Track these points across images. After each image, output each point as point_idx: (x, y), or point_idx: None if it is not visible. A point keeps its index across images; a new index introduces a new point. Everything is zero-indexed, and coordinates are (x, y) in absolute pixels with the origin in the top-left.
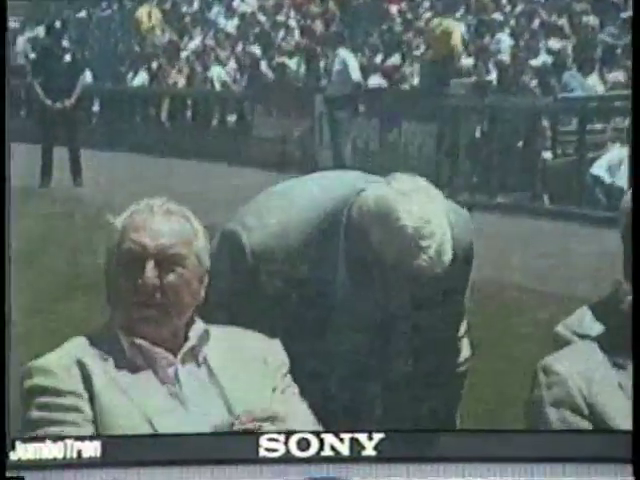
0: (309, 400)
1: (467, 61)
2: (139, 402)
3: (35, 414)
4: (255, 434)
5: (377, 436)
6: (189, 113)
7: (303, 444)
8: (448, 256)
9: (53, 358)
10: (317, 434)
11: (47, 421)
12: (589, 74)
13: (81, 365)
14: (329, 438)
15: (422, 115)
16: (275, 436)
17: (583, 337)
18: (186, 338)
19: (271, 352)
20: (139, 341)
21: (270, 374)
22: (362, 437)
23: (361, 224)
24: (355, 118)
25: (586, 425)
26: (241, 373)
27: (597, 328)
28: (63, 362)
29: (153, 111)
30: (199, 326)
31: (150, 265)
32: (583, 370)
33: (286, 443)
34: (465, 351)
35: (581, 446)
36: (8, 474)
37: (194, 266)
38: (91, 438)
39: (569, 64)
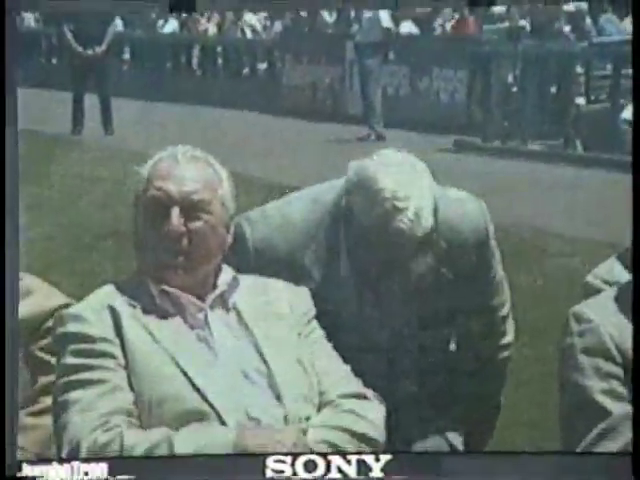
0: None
1: (500, 7)
2: (169, 347)
3: (70, 360)
4: (262, 455)
5: (384, 457)
6: (220, 61)
7: (310, 466)
8: (428, 222)
9: (84, 305)
10: (324, 455)
11: (82, 366)
12: (625, 17)
13: (112, 311)
14: (336, 460)
15: (454, 62)
16: (282, 457)
17: (613, 285)
18: (215, 285)
19: (297, 299)
20: (168, 288)
21: (295, 320)
22: (369, 459)
23: (348, 200)
24: (385, 65)
25: (619, 372)
26: (269, 319)
27: (626, 276)
28: (94, 309)
29: (184, 59)
30: (228, 273)
31: (175, 212)
32: (614, 317)
33: (293, 465)
34: (509, 335)
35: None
36: None
37: (219, 212)
38: (97, 460)
39: (604, 7)
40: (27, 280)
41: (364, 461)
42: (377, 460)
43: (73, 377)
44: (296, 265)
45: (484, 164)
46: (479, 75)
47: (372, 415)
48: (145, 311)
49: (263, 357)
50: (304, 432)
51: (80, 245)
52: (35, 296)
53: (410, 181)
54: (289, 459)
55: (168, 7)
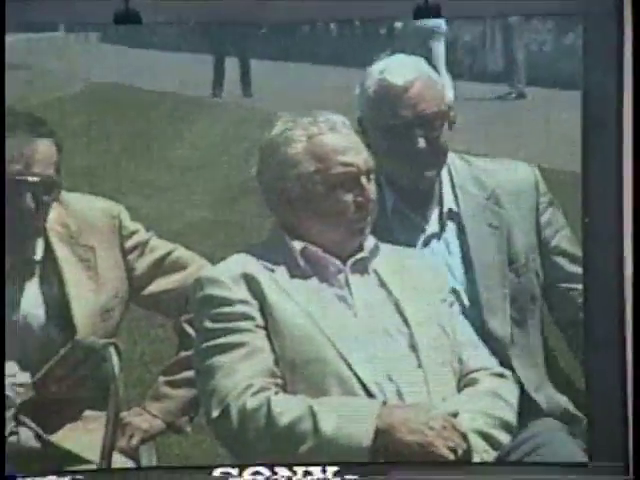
0: None
1: None
2: (309, 307)
3: (210, 325)
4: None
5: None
6: (357, 22)
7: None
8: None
9: (221, 269)
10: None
11: (222, 330)
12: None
13: (247, 277)
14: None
15: None
16: (228, 469)
17: None
18: (356, 249)
19: (437, 268)
20: (311, 247)
21: (438, 287)
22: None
23: None
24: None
25: None
26: (410, 283)
27: None
28: (230, 274)
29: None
30: (370, 240)
31: (364, 181)
32: None
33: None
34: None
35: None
36: None
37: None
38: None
39: None
40: (181, 252)
41: (310, 472)
42: (324, 471)
43: (214, 342)
44: None
45: None
46: None
47: (509, 397)
48: (284, 272)
49: (404, 318)
50: (453, 415)
51: (215, 205)
52: (189, 268)
53: None
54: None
55: (113, 20)
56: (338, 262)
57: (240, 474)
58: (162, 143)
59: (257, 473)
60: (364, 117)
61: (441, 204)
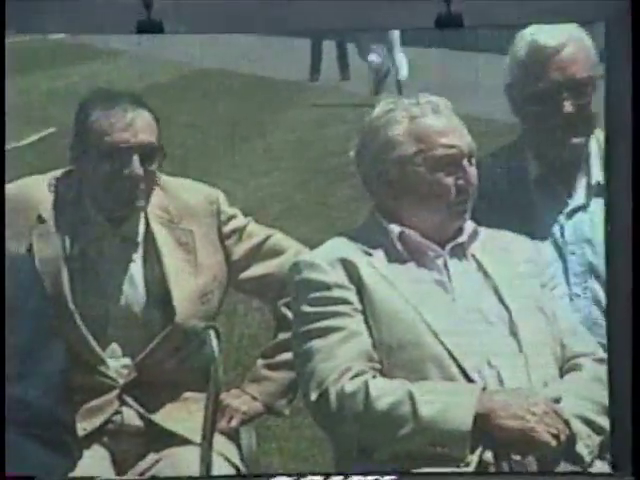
0: None
1: None
2: (407, 292)
3: (307, 309)
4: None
5: (387, 479)
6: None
7: None
8: None
9: (318, 253)
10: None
11: (319, 314)
12: None
13: (344, 261)
14: None
15: None
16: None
17: None
18: (455, 234)
19: (538, 252)
20: (409, 231)
21: (538, 271)
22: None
23: None
24: None
25: None
26: (509, 268)
27: None
28: (328, 258)
29: None
30: (470, 223)
31: (466, 164)
32: None
33: None
34: None
35: None
36: None
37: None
38: None
39: None
40: (278, 237)
41: None
42: None
43: (311, 326)
44: None
45: None
46: None
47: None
48: (382, 257)
49: (504, 303)
50: (556, 400)
51: (312, 190)
52: (287, 254)
53: None
54: None
55: (136, 30)
56: (437, 246)
57: None
58: (260, 128)
59: None
60: (512, 83)
61: (588, 175)
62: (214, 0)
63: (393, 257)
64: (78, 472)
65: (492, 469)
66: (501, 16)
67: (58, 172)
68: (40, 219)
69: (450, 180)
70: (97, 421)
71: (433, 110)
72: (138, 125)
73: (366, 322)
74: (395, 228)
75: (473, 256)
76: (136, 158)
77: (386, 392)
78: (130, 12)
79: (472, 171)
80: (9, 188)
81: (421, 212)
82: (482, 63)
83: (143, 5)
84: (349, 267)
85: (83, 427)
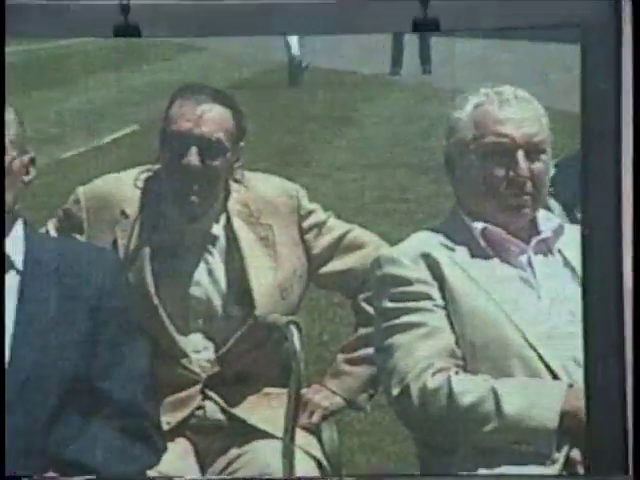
0: None
1: None
2: (490, 288)
3: (388, 305)
4: None
5: None
6: None
7: None
8: None
9: (400, 249)
10: None
11: (401, 310)
12: None
13: (426, 257)
14: None
15: None
16: None
17: None
18: (539, 230)
19: None
20: (492, 228)
21: None
22: None
23: None
24: None
25: None
26: None
27: None
28: (409, 253)
29: None
30: (554, 220)
31: (521, 156)
32: None
33: None
34: None
35: None
36: None
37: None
38: None
39: None
40: (358, 232)
41: None
42: None
43: (393, 321)
44: None
45: None
46: None
47: None
48: (465, 253)
49: None
50: None
51: (393, 185)
52: (367, 248)
53: None
54: None
55: (112, 33)
56: (521, 243)
57: None
58: (340, 123)
59: None
60: None
61: None
62: (193, 1)
63: (476, 253)
64: (162, 466)
65: (579, 468)
66: (480, 19)
67: (144, 167)
68: (124, 214)
69: (500, 171)
70: (180, 415)
71: (501, 100)
72: (205, 118)
73: (448, 318)
74: (478, 225)
75: (560, 252)
76: (194, 150)
77: (469, 389)
78: (108, 16)
79: (525, 165)
80: (95, 184)
81: (493, 206)
82: None
83: (120, 9)
84: (431, 263)
85: (167, 421)
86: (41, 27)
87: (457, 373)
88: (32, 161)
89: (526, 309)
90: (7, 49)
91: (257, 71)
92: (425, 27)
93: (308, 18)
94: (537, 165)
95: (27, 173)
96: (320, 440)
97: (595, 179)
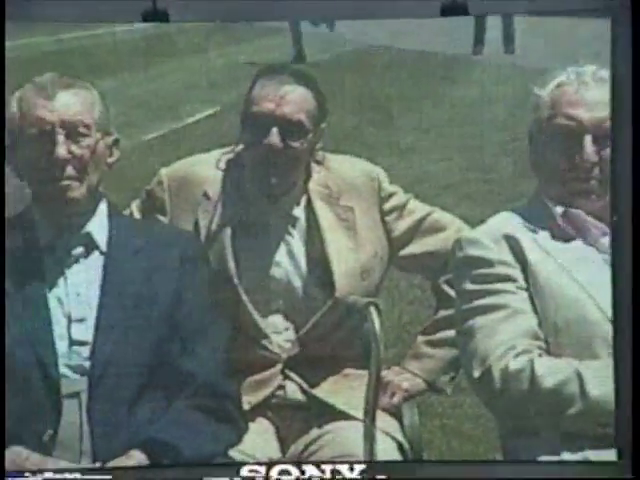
0: None
1: None
2: (571, 269)
3: (470, 287)
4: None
5: (358, 467)
6: None
7: (284, 475)
8: None
9: (481, 231)
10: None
11: (483, 292)
12: None
13: (508, 239)
14: (310, 469)
15: None
16: (255, 467)
17: None
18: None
19: None
20: (572, 210)
21: None
22: (343, 468)
23: None
24: None
25: None
26: None
27: None
28: (491, 235)
29: None
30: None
31: (588, 140)
32: None
33: (267, 475)
34: None
35: None
36: None
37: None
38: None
39: None
40: (439, 214)
41: (338, 471)
42: (351, 470)
43: (474, 303)
44: None
45: None
46: None
47: None
48: (546, 234)
49: None
50: None
51: (475, 166)
52: (448, 231)
53: None
54: (263, 469)
55: (141, 18)
56: (602, 224)
57: (267, 473)
58: (420, 104)
59: (284, 472)
60: None
61: None
62: None
63: (558, 235)
64: (244, 445)
65: None
66: (507, 4)
67: (225, 149)
68: (206, 195)
69: (566, 155)
70: (261, 395)
71: (579, 81)
72: (287, 98)
73: (531, 300)
74: (559, 208)
75: None
76: (275, 130)
77: (553, 371)
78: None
79: (592, 149)
80: (177, 166)
81: (563, 189)
82: None
83: None
84: (513, 244)
85: (248, 400)
86: (65, 15)
87: (540, 355)
88: (116, 143)
89: (609, 290)
90: (76, 33)
91: (337, 53)
92: (453, 11)
93: (340, 3)
94: (606, 151)
95: (111, 155)
96: (401, 422)
97: (624, 165)
